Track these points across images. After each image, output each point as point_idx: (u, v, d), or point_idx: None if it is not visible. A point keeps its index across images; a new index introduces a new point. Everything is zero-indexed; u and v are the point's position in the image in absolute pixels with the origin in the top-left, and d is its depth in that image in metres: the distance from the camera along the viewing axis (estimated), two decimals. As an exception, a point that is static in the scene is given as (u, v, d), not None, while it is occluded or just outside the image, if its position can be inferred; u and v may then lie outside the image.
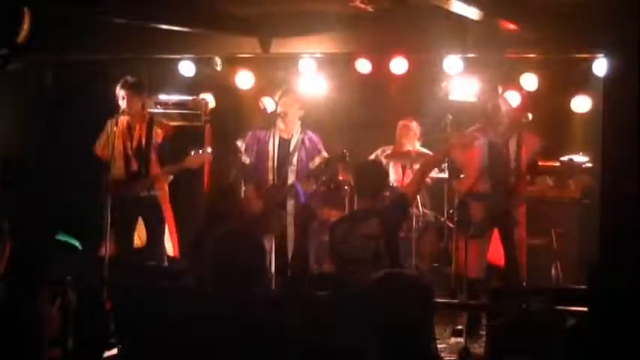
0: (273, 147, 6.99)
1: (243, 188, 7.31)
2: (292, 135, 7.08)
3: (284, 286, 6.55)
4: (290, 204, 7.01)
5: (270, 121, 7.13)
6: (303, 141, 7.07)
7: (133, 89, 7.08)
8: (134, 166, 7.08)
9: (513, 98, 7.35)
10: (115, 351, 5.53)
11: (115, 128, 6.90)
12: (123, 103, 7.03)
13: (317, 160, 7.07)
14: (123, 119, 7.04)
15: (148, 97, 7.92)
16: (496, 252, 6.78)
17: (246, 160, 7.11)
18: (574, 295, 5.47)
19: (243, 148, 7.14)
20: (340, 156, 6.70)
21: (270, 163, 7.02)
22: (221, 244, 3.54)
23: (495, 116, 6.72)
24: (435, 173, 7.85)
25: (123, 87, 7.06)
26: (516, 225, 6.69)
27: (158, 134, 7.16)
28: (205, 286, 4.46)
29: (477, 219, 6.65)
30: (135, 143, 7.11)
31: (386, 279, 3.04)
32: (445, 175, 7.74)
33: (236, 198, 5.72)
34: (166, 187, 7.19)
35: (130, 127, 7.13)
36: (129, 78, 7.12)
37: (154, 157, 7.11)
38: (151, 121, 7.19)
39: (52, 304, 6.28)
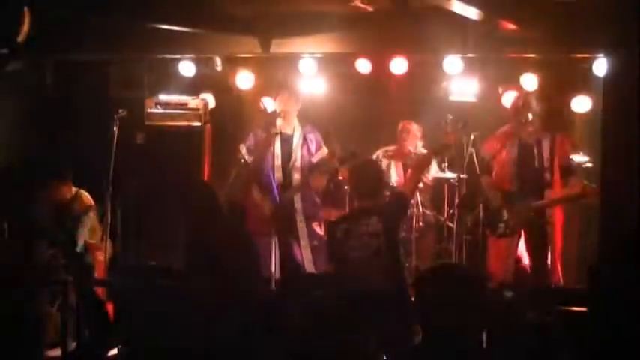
0: (274, 145, 6.97)
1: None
2: (293, 131, 7.08)
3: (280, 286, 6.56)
4: (298, 204, 6.99)
5: (270, 121, 7.12)
6: (305, 137, 7.06)
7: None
8: None
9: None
10: (115, 351, 5.53)
11: None
12: None
13: (319, 155, 7.06)
14: None
15: (148, 96, 7.93)
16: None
17: (249, 161, 7.08)
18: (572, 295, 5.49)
19: (245, 151, 7.11)
20: (351, 155, 6.68)
21: (276, 162, 7.00)
22: (216, 244, 3.54)
23: (525, 115, 6.66)
24: (438, 173, 7.86)
25: None
26: (547, 226, 6.64)
27: None
28: (202, 285, 4.46)
29: (506, 218, 6.65)
30: None
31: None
32: (445, 175, 7.75)
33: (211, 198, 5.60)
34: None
35: None
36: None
37: None
38: None
39: (52, 304, 6.30)
